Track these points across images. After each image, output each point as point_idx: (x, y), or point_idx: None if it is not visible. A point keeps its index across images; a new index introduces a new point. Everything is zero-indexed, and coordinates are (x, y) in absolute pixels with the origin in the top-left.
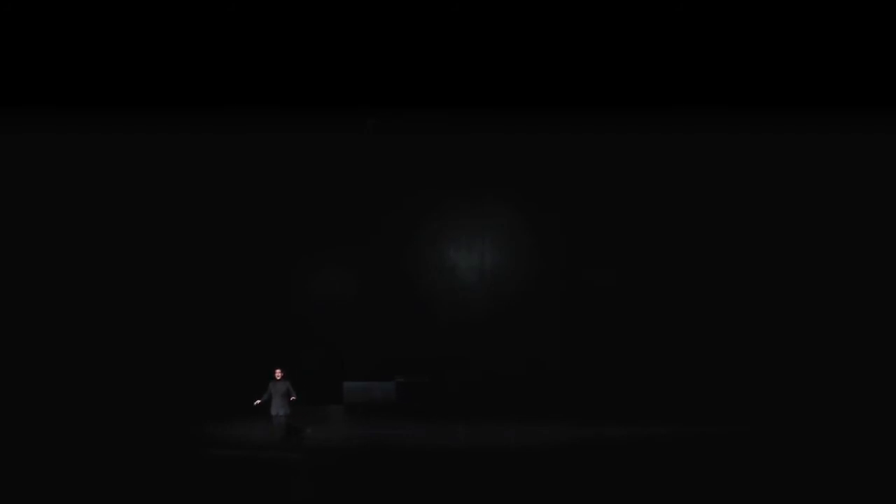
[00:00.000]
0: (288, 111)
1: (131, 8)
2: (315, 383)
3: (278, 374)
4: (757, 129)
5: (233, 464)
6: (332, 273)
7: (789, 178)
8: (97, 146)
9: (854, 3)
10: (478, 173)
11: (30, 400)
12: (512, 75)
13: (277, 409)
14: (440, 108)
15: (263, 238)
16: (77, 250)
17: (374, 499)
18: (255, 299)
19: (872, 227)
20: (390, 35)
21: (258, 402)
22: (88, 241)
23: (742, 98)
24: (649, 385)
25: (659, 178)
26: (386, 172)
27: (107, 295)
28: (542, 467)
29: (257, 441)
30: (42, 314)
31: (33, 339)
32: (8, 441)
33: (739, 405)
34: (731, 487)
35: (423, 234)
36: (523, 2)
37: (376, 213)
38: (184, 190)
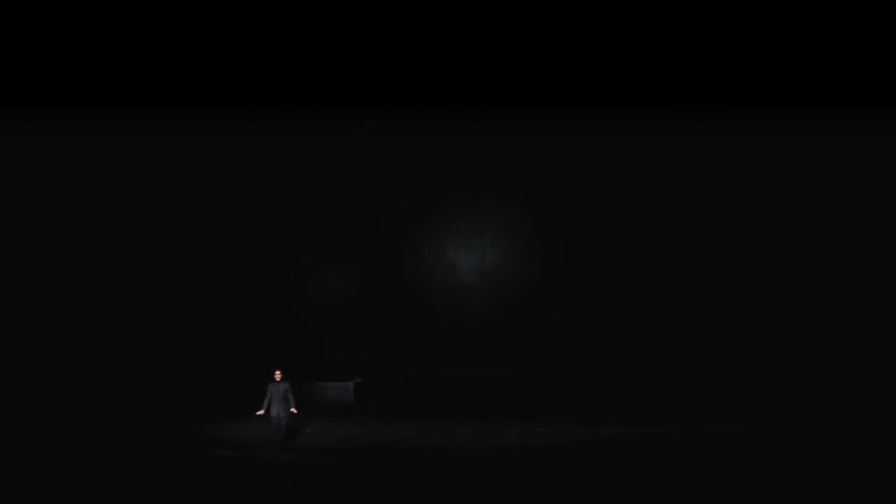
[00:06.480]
0: (288, 111)
1: (131, 8)
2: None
3: (277, 375)
4: (757, 129)
5: (232, 464)
6: (332, 272)
7: (789, 179)
8: (97, 146)
9: (854, 3)
10: (478, 173)
11: (31, 400)
12: (512, 75)
13: (277, 409)
14: (440, 108)
15: (263, 238)
16: (78, 250)
17: (373, 498)
18: (254, 299)
19: (872, 227)
20: (390, 35)
21: (261, 412)
22: (89, 241)
23: (742, 98)
24: (648, 385)
25: (659, 179)
26: (386, 172)
27: (107, 295)
28: (543, 467)
29: (257, 441)
30: (43, 314)
31: (34, 339)
32: (9, 441)
33: (739, 405)
34: (730, 487)
35: (423, 234)
36: (523, 2)
37: (376, 212)
38: (183, 190)
